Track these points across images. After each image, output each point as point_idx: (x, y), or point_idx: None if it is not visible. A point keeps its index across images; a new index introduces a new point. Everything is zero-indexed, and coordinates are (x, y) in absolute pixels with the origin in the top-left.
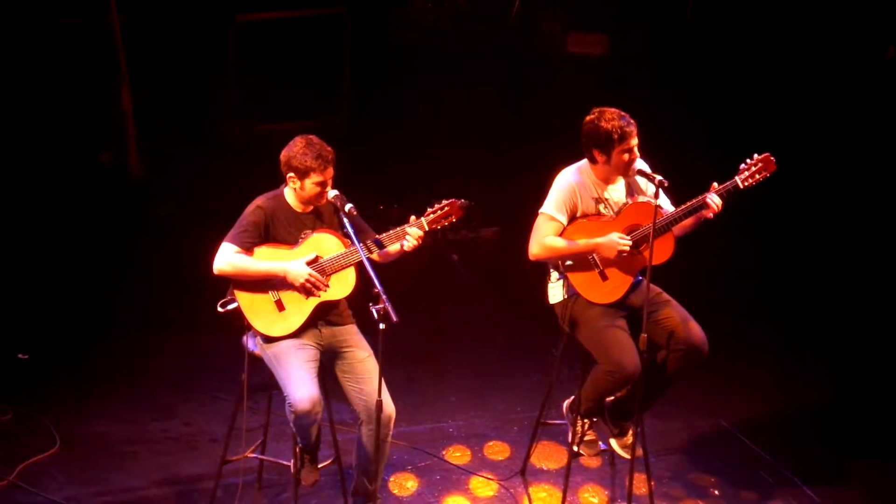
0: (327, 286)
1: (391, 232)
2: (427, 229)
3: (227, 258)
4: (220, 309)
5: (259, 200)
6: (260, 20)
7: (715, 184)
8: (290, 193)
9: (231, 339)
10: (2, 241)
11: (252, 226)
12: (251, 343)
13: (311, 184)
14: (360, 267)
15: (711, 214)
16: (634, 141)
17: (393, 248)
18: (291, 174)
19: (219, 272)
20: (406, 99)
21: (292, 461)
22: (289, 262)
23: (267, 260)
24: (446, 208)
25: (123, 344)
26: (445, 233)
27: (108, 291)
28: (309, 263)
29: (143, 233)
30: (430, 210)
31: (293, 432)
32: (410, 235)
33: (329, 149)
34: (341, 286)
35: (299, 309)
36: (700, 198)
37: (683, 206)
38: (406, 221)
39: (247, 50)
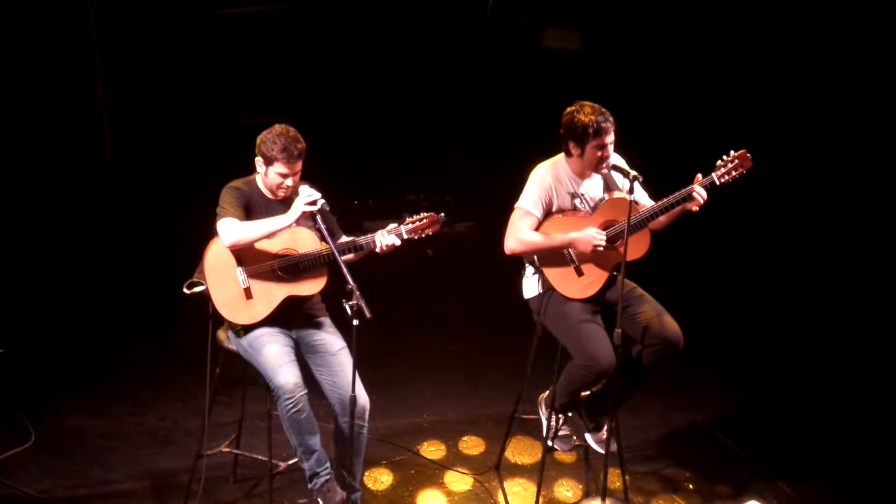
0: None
1: (368, 235)
2: (405, 238)
3: (236, 227)
4: (185, 290)
5: (234, 183)
6: (237, 14)
7: (699, 175)
8: (260, 179)
9: (207, 333)
10: None
11: (240, 200)
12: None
13: (273, 173)
14: (332, 263)
15: (696, 207)
16: (610, 138)
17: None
18: (259, 157)
19: (233, 244)
20: (381, 93)
21: (293, 458)
22: (290, 212)
23: (263, 220)
24: (425, 220)
25: (99, 337)
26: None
27: (83, 284)
28: (281, 255)
29: (119, 226)
30: (409, 220)
31: (294, 448)
32: (386, 242)
33: (301, 145)
34: (312, 283)
35: (267, 300)
36: (686, 189)
37: (666, 200)
38: (381, 218)
39: (223, 44)
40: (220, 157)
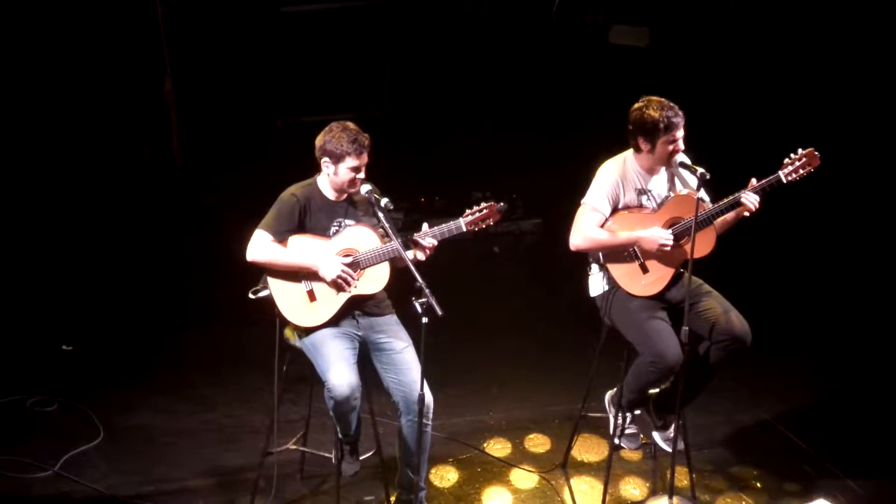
0: (357, 282)
1: (424, 230)
2: (464, 230)
3: (262, 247)
4: (251, 296)
5: (293, 188)
6: (302, 11)
7: (753, 180)
8: (324, 181)
9: (272, 330)
10: (48, 234)
11: (287, 214)
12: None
13: (345, 168)
14: (395, 260)
15: (747, 213)
16: (680, 133)
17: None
18: (326, 159)
19: (252, 261)
20: (447, 90)
21: (333, 452)
22: (322, 255)
23: (301, 251)
24: (485, 211)
25: (166, 336)
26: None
27: (152, 283)
28: (342, 255)
29: (186, 225)
30: (468, 211)
31: (333, 423)
32: (429, 244)
33: (365, 135)
34: (374, 281)
35: (330, 301)
36: (735, 196)
37: (722, 202)
38: (446, 215)
39: (289, 41)
40: (284, 155)
